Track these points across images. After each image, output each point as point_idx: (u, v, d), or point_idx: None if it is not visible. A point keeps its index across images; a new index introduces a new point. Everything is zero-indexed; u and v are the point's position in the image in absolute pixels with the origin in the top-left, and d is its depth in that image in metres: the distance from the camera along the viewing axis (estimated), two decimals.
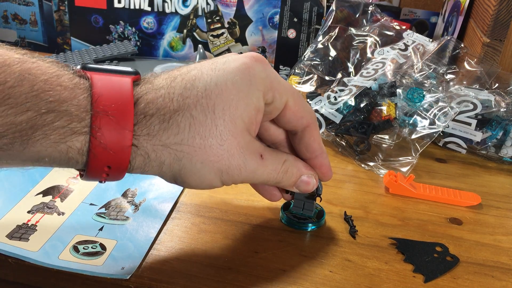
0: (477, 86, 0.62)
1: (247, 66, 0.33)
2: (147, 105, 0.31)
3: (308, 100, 0.63)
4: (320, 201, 0.45)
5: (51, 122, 0.29)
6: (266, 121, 0.38)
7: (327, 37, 0.70)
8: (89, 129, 0.30)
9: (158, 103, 0.32)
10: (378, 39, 0.67)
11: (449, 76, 0.64)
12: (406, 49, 0.64)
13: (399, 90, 0.59)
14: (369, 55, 0.66)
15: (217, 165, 0.33)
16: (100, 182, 0.34)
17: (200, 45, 0.84)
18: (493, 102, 0.59)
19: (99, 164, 0.31)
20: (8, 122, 0.29)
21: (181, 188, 0.48)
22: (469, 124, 0.59)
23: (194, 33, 0.85)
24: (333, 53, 0.68)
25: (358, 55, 0.67)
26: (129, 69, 0.33)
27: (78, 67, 0.32)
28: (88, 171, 0.32)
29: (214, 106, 0.32)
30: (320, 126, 0.60)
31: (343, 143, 0.59)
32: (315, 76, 0.67)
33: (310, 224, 0.44)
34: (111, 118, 0.30)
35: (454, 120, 0.59)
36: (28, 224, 0.41)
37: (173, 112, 0.32)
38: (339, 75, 0.66)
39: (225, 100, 0.32)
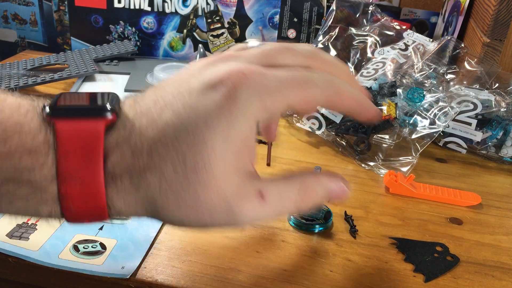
0: (477, 86, 0.62)
1: (225, 97, 0.28)
2: (116, 164, 0.27)
3: None
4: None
5: (13, 191, 0.26)
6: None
7: (327, 37, 0.70)
8: (57, 198, 0.27)
9: (126, 160, 0.27)
10: (378, 39, 0.67)
11: (449, 76, 0.64)
12: (406, 49, 0.64)
13: (399, 90, 0.59)
14: (369, 55, 0.66)
15: (199, 220, 0.28)
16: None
17: (200, 45, 0.84)
18: (493, 102, 0.59)
19: (77, 221, 0.29)
20: None
21: None
22: (469, 124, 0.59)
23: (194, 33, 0.85)
24: (333, 53, 0.68)
25: (358, 55, 0.67)
26: (105, 105, 0.28)
27: (47, 108, 0.27)
28: (69, 223, 0.29)
29: (184, 157, 0.27)
30: (320, 126, 0.60)
31: (344, 143, 0.59)
32: None
33: (317, 226, 0.44)
34: (80, 186, 0.27)
35: (454, 120, 0.59)
36: (28, 223, 0.41)
37: (142, 170, 0.27)
38: None
39: (198, 147, 0.27)
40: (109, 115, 0.27)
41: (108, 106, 0.28)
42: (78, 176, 0.26)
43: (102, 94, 0.30)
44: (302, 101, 0.30)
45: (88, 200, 0.27)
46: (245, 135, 0.28)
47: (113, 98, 0.29)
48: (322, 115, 0.59)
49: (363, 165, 0.56)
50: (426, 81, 0.61)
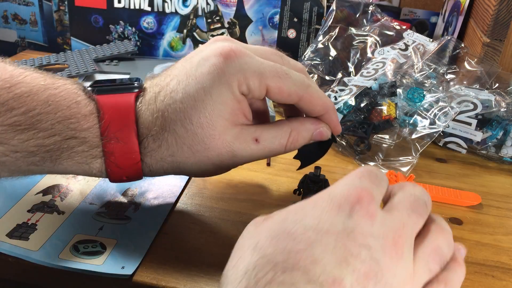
0: (477, 86, 0.62)
1: (216, 68, 0.35)
2: (142, 127, 0.36)
3: None
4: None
5: (74, 146, 0.35)
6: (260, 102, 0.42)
7: (327, 37, 0.70)
8: (103, 153, 0.36)
9: (149, 123, 0.36)
10: (378, 39, 0.67)
11: (449, 76, 0.64)
12: (406, 49, 0.64)
13: (399, 90, 0.59)
14: (369, 55, 0.66)
15: (211, 162, 0.37)
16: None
17: (200, 45, 0.84)
18: (493, 102, 0.59)
19: (117, 177, 0.38)
20: (39, 143, 0.35)
21: (181, 188, 0.48)
22: (469, 124, 0.59)
23: (194, 33, 0.85)
24: (333, 53, 0.68)
25: (358, 55, 0.67)
26: (133, 83, 0.38)
27: (89, 87, 0.37)
28: (110, 180, 0.39)
29: (191, 117, 0.35)
30: None
31: (343, 143, 0.59)
32: (316, 76, 0.67)
33: None
34: (120, 143, 0.36)
35: (454, 120, 0.59)
36: (28, 223, 0.41)
37: (160, 130, 0.36)
38: (340, 75, 0.66)
39: (200, 108, 0.35)
40: (136, 90, 0.37)
41: (135, 84, 0.38)
42: (117, 136, 0.35)
43: (129, 78, 0.39)
44: (278, 89, 0.37)
45: (126, 156, 0.36)
46: (236, 98, 0.36)
47: (137, 78, 0.39)
48: None
49: (363, 165, 0.56)
50: (426, 81, 0.61)
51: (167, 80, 0.37)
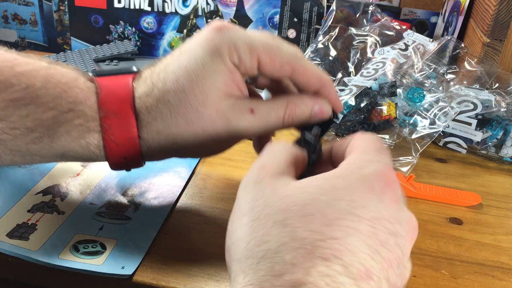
0: (477, 86, 0.62)
1: (206, 38, 0.36)
2: (140, 101, 0.36)
3: None
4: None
5: (71, 119, 0.35)
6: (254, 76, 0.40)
7: (327, 37, 0.70)
8: (100, 128, 0.36)
9: (143, 97, 0.36)
10: (378, 39, 0.67)
11: (449, 76, 0.64)
12: (406, 49, 0.64)
13: (399, 90, 0.59)
14: (369, 55, 0.66)
15: (206, 134, 0.36)
16: (127, 170, 0.40)
17: None
18: (493, 102, 0.59)
19: (116, 156, 0.37)
20: (37, 118, 0.35)
21: (181, 187, 0.48)
22: (469, 124, 0.59)
23: (194, 33, 0.85)
24: (333, 53, 0.68)
25: (358, 55, 0.67)
26: (130, 68, 0.39)
27: (90, 73, 0.38)
28: (109, 163, 0.38)
29: (183, 86, 0.35)
30: None
31: None
32: None
33: None
34: (118, 118, 0.36)
35: (454, 120, 0.59)
36: (28, 223, 0.41)
37: (155, 103, 0.36)
38: (340, 75, 0.66)
39: (192, 77, 0.35)
40: (133, 73, 0.38)
41: (134, 68, 0.39)
42: (114, 111, 0.36)
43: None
44: (269, 59, 0.36)
45: (123, 129, 0.36)
46: (228, 68, 0.36)
47: (138, 69, 0.39)
48: None
49: None
50: (426, 81, 0.61)
51: (162, 60, 0.38)
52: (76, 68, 0.38)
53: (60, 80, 0.36)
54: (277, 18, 0.83)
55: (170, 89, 0.36)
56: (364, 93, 0.59)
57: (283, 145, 0.33)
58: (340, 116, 0.59)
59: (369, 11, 0.72)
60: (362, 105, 0.59)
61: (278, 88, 0.42)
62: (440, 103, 0.58)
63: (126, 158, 0.37)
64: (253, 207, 0.27)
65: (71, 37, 0.88)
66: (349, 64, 0.67)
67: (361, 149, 0.30)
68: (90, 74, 0.38)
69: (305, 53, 0.70)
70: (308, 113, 0.38)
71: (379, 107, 0.59)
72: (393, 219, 0.25)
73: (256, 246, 0.25)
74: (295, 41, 0.84)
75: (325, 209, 0.24)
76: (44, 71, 0.36)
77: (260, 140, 0.44)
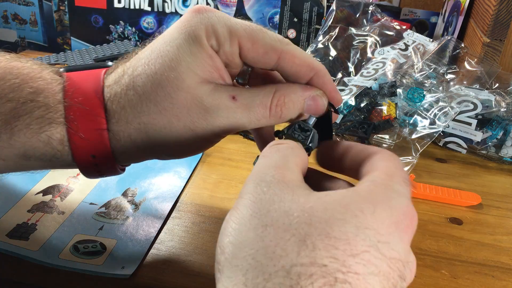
0: (477, 86, 0.62)
1: (183, 21, 0.33)
2: (109, 90, 0.33)
3: None
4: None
5: (30, 111, 0.31)
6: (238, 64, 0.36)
7: (327, 37, 0.70)
8: (64, 119, 0.32)
9: (113, 86, 0.33)
10: (378, 39, 0.67)
11: (449, 76, 0.64)
12: (406, 49, 0.64)
13: (399, 90, 0.59)
14: (369, 55, 0.66)
15: (182, 124, 0.32)
16: (101, 175, 0.35)
17: None
18: (493, 102, 0.59)
19: (83, 154, 0.33)
20: None
21: (182, 187, 0.48)
22: (469, 124, 0.59)
23: None
24: (333, 53, 0.68)
25: (358, 55, 0.67)
26: (105, 63, 0.36)
27: (61, 69, 0.35)
28: (77, 163, 0.33)
29: (155, 70, 0.32)
30: None
31: None
32: None
33: None
34: (84, 109, 0.32)
35: (454, 120, 0.59)
36: (28, 223, 0.41)
37: (125, 89, 0.32)
38: (340, 75, 0.66)
39: (166, 60, 0.32)
40: (107, 67, 0.35)
41: (109, 63, 0.35)
42: (81, 102, 0.32)
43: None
44: (251, 44, 0.32)
45: (89, 120, 0.32)
46: (206, 52, 0.32)
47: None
48: None
49: None
50: (426, 81, 0.61)
51: (138, 49, 0.35)
52: (43, 63, 0.35)
53: (22, 72, 0.32)
54: (277, 18, 0.83)
55: (141, 73, 0.32)
56: (364, 93, 0.59)
57: (292, 147, 0.30)
58: (341, 115, 0.59)
59: (369, 11, 0.72)
60: (362, 105, 0.59)
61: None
62: (440, 103, 0.58)
63: (95, 157, 0.33)
64: (268, 211, 0.24)
65: (71, 37, 0.88)
66: (349, 64, 0.67)
67: (388, 172, 0.27)
68: (61, 70, 0.35)
69: None
70: (299, 105, 0.34)
71: (379, 107, 0.59)
72: (405, 262, 0.24)
73: (267, 259, 0.22)
74: (295, 41, 0.83)
75: (352, 236, 0.22)
76: (5, 63, 0.33)
77: (261, 137, 0.40)
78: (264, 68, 0.35)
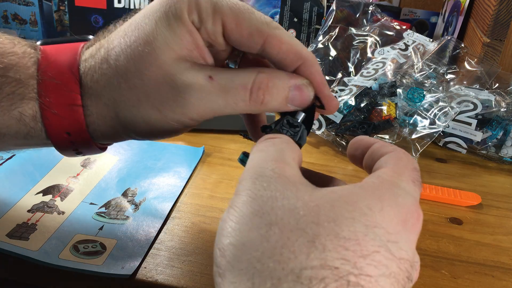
0: (477, 86, 0.62)
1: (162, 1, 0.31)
2: (84, 65, 0.31)
3: None
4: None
5: (1, 87, 0.30)
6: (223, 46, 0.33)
7: (327, 37, 0.70)
8: (36, 95, 0.30)
9: (88, 60, 0.31)
10: (378, 39, 0.67)
11: (449, 76, 0.64)
12: (406, 49, 0.64)
13: (399, 90, 0.59)
14: (369, 55, 0.66)
15: (149, 103, 0.30)
16: (78, 154, 0.34)
17: None
18: (493, 102, 0.59)
19: (57, 131, 0.31)
20: None
21: (182, 187, 0.48)
22: (469, 124, 0.59)
23: None
24: (333, 53, 0.68)
25: (358, 55, 0.67)
26: (85, 37, 0.34)
27: (38, 43, 0.33)
28: (52, 140, 0.32)
29: (130, 43, 0.30)
30: (320, 126, 0.60)
31: (344, 143, 0.59)
32: None
33: None
34: (57, 83, 0.30)
35: (454, 120, 0.59)
36: (28, 223, 0.41)
37: (99, 62, 0.31)
38: (340, 75, 0.66)
39: (141, 34, 0.30)
40: (86, 41, 0.33)
41: (90, 37, 0.33)
42: (54, 76, 0.30)
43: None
44: (236, 23, 0.30)
45: (62, 96, 0.30)
46: (185, 27, 0.30)
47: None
48: (322, 115, 0.59)
49: None
50: (426, 81, 0.61)
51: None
52: (18, 37, 0.33)
53: (3, 48, 0.31)
54: (277, 18, 0.83)
55: (115, 46, 0.30)
56: (364, 93, 0.59)
57: (287, 141, 0.28)
58: (341, 115, 0.59)
59: (369, 11, 0.72)
60: (362, 105, 0.59)
61: None
62: (440, 103, 0.58)
63: (70, 134, 0.31)
64: (271, 208, 0.22)
65: None
66: (349, 64, 0.67)
67: (396, 170, 0.26)
68: (37, 43, 0.33)
69: None
70: (284, 93, 0.31)
71: (379, 107, 0.59)
72: (413, 262, 0.23)
73: (275, 262, 0.20)
74: None
75: (361, 235, 0.21)
76: None
77: (252, 123, 0.37)
78: (249, 52, 0.32)
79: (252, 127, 0.38)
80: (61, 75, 0.30)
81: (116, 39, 0.31)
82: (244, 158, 0.32)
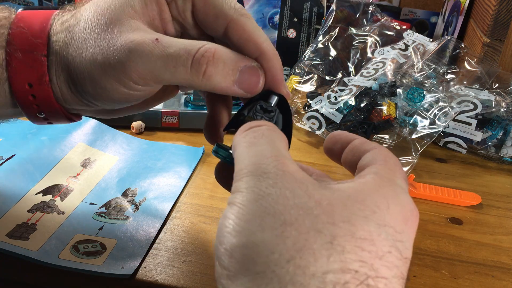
0: (477, 86, 0.62)
1: None
2: (55, 27, 0.32)
3: (308, 100, 0.63)
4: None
5: None
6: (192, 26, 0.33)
7: (327, 37, 0.70)
8: (5, 43, 0.31)
9: (58, 19, 0.32)
10: (378, 39, 0.67)
11: (449, 76, 0.64)
12: (406, 49, 0.64)
13: (399, 90, 0.59)
14: (369, 55, 0.66)
15: (98, 60, 0.29)
16: (45, 120, 0.34)
17: None
18: (493, 102, 0.59)
19: (19, 79, 0.31)
20: None
21: (182, 187, 0.48)
22: (469, 124, 0.59)
23: None
24: (333, 53, 0.68)
25: (358, 55, 0.67)
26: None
27: (20, 9, 0.33)
28: (15, 95, 0.32)
29: (96, 4, 0.31)
30: (320, 126, 0.60)
31: None
32: (316, 76, 0.67)
33: None
34: (25, 32, 0.31)
35: (454, 120, 0.59)
36: (28, 223, 0.41)
37: (70, 19, 0.31)
38: (340, 75, 0.66)
39: None
40: (60, 8, 0.33)
41: (64, 6, 0.33)
42: (25, 27, 0.31)
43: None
44: (204, 3, 0.30)
45: (30, 43, 0.31)
46: None
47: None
48: (322, 115, 0.59)
49: None
50: (426, 81, 0.61)
51: None
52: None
53: None
54: (277, 18, 0.83)
55: (85, 7, 0.31)
56: (364, 93, 0.59)
57: (273, 129, 0.27)
58: (341, 115, 0.59)
59: (369, 11, 0.72)
60: (362, 105, 0.59)
61: None
62: (440, 103, 0.58)
63: (32, 86, 0.31)
64: (284, 207, 0.21)
65: None
66: (349, 64, 0.67)
67: (389, 167, 0.25)
68: (19, 9, 0.33)
69: (305, 53, 0.70)
70: (230, 70, 0.29)
71: (379, 107, 0.59)
72: (409, 255, 0.23)
73: (295, 266, 0.19)
74: (295, 41, 0.84)
75: (375, 235, 0.21)
76: None
77: (211, 121, 0.35)
78: (212, 35, 0.32)
79: (209, 125, 0.35)
80: (30, 27, 0.31)
81: (85, 5, 0.32)
82: (219, 150, 0.30)
